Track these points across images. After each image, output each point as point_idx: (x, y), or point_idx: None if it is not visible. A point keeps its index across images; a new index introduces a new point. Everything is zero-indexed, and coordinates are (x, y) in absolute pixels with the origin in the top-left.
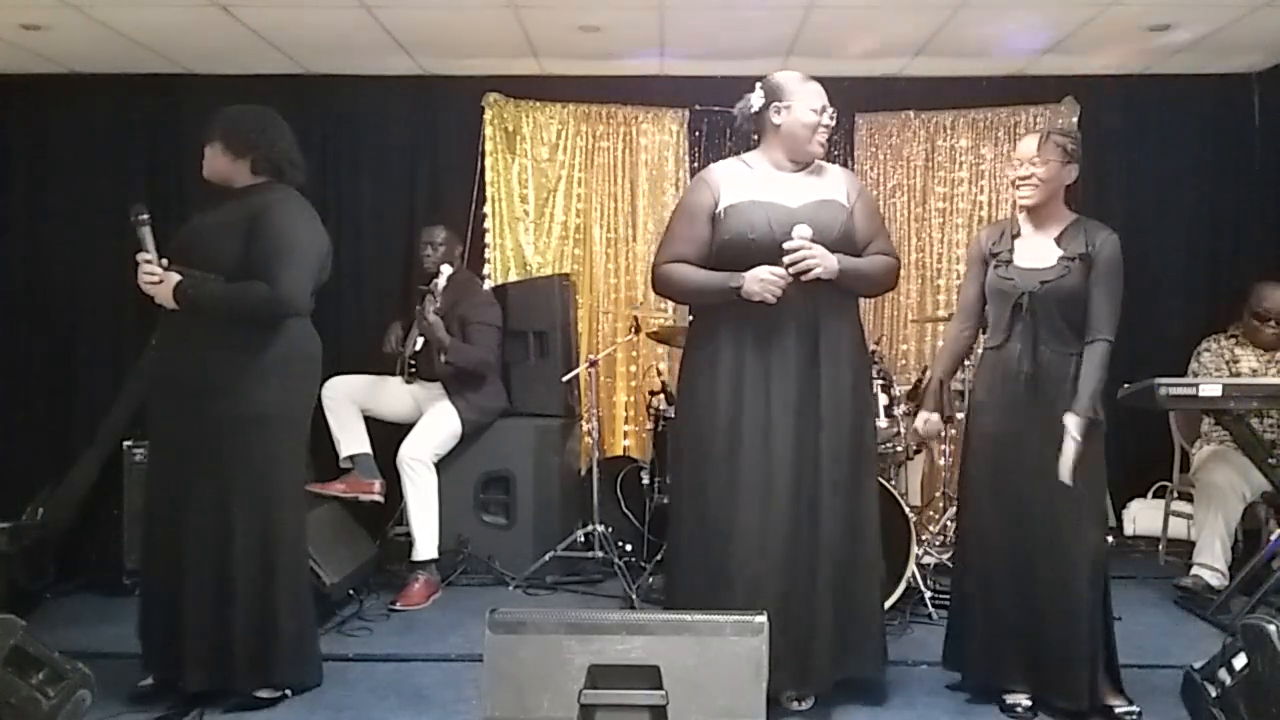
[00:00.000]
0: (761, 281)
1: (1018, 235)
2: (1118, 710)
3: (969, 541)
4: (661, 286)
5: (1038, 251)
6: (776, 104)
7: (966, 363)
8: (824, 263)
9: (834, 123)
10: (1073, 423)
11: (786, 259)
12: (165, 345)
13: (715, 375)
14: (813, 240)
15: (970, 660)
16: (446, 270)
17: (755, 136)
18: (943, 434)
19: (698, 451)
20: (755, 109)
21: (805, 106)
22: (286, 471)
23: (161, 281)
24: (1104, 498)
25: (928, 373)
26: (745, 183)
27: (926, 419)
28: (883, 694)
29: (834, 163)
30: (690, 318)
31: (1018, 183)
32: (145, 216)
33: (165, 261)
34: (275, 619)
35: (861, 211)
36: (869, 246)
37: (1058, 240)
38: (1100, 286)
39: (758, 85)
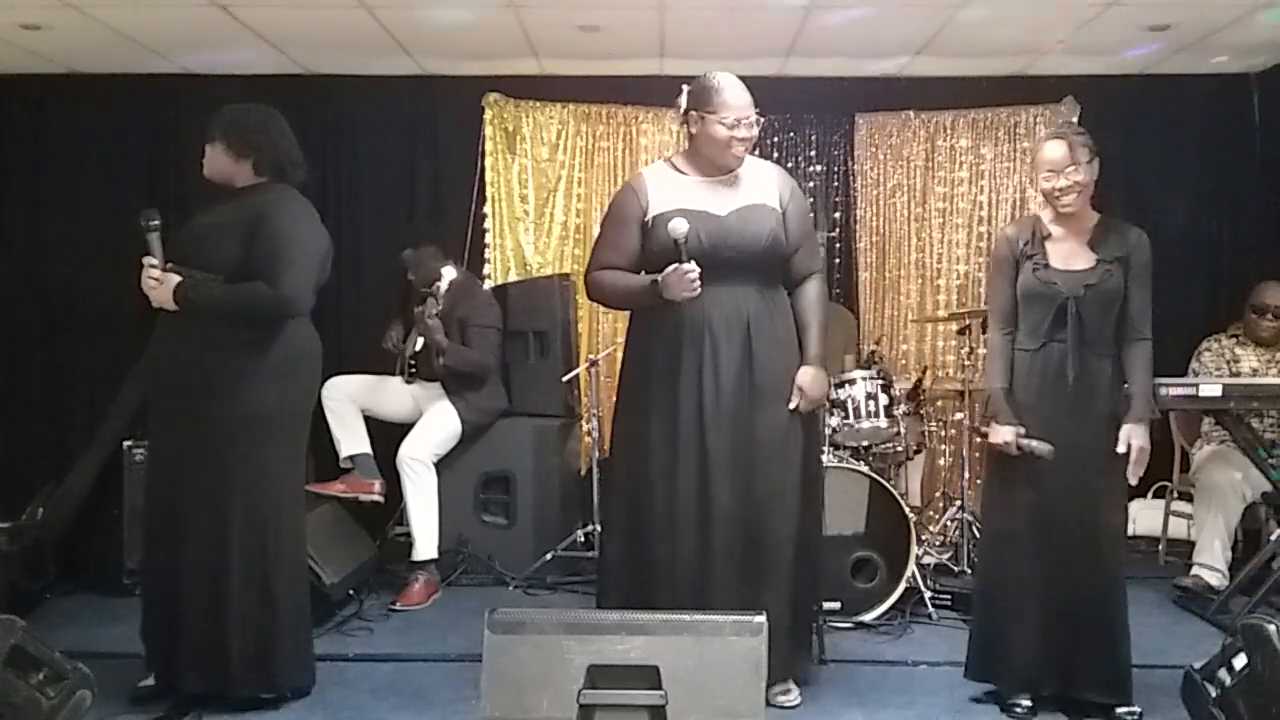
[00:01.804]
0: (676, 286)
1: (1048, 237)
2: (1118, 710)
3: (999, 547)
4: (594, 293)
5: (1073, 253)
6: (695, 111)
7: (966, 362)
8: (816, 393)
9: (754, 132)
10: (1138, 433)
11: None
12: (164, 347)
13: (650, 381)
14: (737, 246)
15: (1003, 668)
16: (449, 274)
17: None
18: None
19: (635, 458)
20: (681, 110)
21: (717, 120)
22: (286, 472)
23: (161, 284)
24: (1125, 498)
25: (926, 373)
26: (673, 189)
27: (1019, 432)
28: (882, 694)
29: (834, 162)
30: (628, 325)
31: (1058, 193)
32: (156, 222)
33: (169, 264)
34: (274, 621)
35: (794, 214)
36: (796, 254)
37: (1091, 242)
38: (1138, 285)
39: (686, 86)
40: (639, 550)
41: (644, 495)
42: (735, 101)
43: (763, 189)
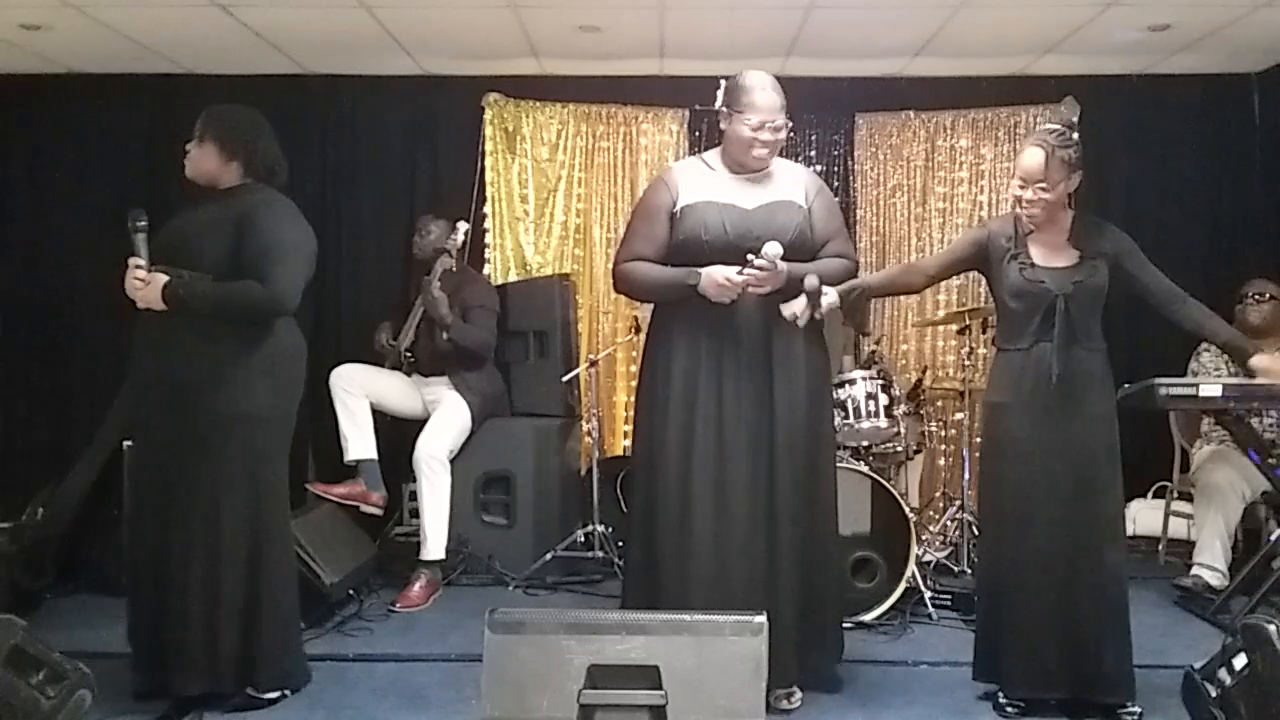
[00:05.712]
0: (719, 287)
1: (1029, 234)
2: (1119, 710)
3: (999, 550)
4: (622, 285)
5: (1054, 251)
6: (726, 109)
7: (966, 362)
8: (777, 281)
9: (779, 135)
10: (1259, 360)
11: (743, 279)
12: (148, 347)
13: (670, 376)
14: (762, 239)
15: (1008, 670)
16: (463, 227)
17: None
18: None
19: (653, 453)
20: (716, 107)
21: (742, 121)
22: (273, 470)
23: (147, 284)
24: (1121, 495)
25: (926, 373)
26: (703, 183)
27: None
28: (882, 694)
29: (834, 162)
30: (649, 319)
31: (1024, 204)
32: (143, 223)
33: (155, 265)
34: (259, 620)
35: (820, 210)
36: (826, 246)
37: (1071, 240)
38: (1144, 269)
39: (723, 81)
40: (656, 551)
41: (661, 493)
42: (762, 104)
43: (790, 187)
